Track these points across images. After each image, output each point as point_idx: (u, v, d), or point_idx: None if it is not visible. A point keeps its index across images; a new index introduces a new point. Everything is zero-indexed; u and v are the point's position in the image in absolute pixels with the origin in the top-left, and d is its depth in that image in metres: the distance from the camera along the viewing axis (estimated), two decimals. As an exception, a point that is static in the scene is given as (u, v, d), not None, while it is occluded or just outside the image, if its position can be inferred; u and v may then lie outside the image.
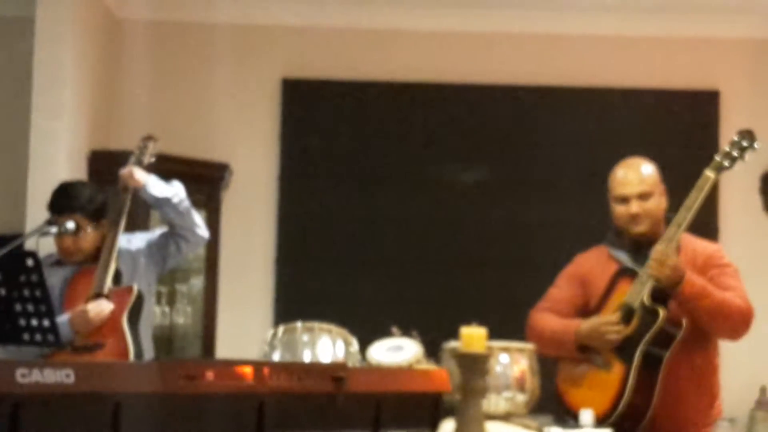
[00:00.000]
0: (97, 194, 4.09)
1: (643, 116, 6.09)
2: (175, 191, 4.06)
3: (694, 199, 3.58)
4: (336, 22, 6.14)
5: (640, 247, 3.68)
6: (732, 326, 3.60)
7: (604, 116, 6.10)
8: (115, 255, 3.95)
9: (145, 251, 4.14)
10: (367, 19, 6.13)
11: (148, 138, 4.20)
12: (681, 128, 6.11)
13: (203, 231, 4.15)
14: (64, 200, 4.04)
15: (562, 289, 3.82)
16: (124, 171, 4.06)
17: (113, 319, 3.85)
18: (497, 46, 6.18)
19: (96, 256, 4.00)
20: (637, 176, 3.72)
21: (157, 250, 4.16)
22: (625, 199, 3.70)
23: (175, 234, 4.12)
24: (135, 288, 3.94)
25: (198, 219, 4.14)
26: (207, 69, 6.08)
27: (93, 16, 5.62)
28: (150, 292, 4.16)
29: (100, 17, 5.78)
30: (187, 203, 4.09)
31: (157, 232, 4.21)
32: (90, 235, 4.02)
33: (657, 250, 3.54)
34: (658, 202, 3.71)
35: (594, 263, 3.79)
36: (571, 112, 6.09)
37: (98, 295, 3.87)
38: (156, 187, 4.05)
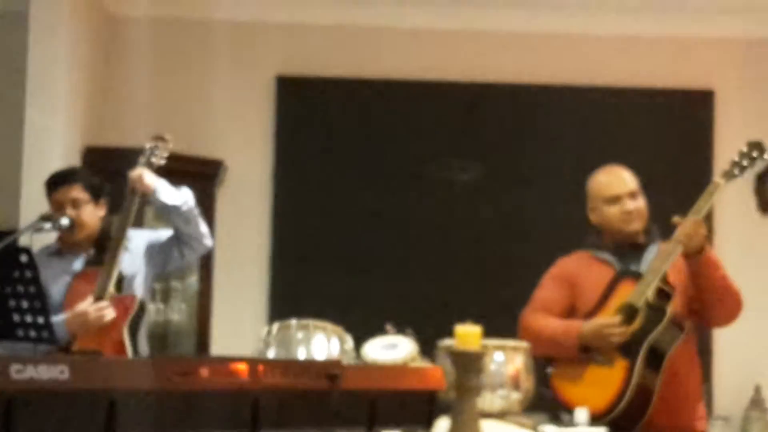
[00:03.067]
0: (95, 176, 4.02)
1: (638, 115, 6.10)
2: (184, 199, 3.93)
3: (704, 204, 3.63)
4: (331, 20, 6.14)
5: (624, 249, 3.73)
6: (733, 305, 3.64)
7: (599, 115, 6.10)
8: (120, 259, 3.80)
9: (146, 252, 4.02)
10: (363, 16, 6.13)
11: (159, 138, 4.01)
12: (676, 128, 6.12)
13: (208, 240, 4.05)
14: (62, 174, 3.97)
15: (550, 290, 3.81)
16: (133, 173, 3.89)
17: (113, 327, 3.72)
18: (493, 44, 6.18)
19: (98, 250, 3.90)
20: (623, 177, 3.79)
21: (159, 252, 4.03)
22: (617, 199, 3.74)
23: (181, 241, 3.99)
24: (137, 298, 3.82)
25: (204, 228, 4.02)
26: (202, 66, 6.07)
27: (87, 12, 5.61)
28: (146, 292, 4.03)
29: (95, 13, 5.77)
30: (195, 211, 3.96)
31: (163, 234, 4.07)
32: (90, 210, 3.91)
33: (688, 221, 3.55)
34: (644, 203, 3.77)
35: (579, 266, 3.80)
36: (567, 111, 6.09)
37: (99, 300, 3.74)
38: (166, 193, 3.89)
